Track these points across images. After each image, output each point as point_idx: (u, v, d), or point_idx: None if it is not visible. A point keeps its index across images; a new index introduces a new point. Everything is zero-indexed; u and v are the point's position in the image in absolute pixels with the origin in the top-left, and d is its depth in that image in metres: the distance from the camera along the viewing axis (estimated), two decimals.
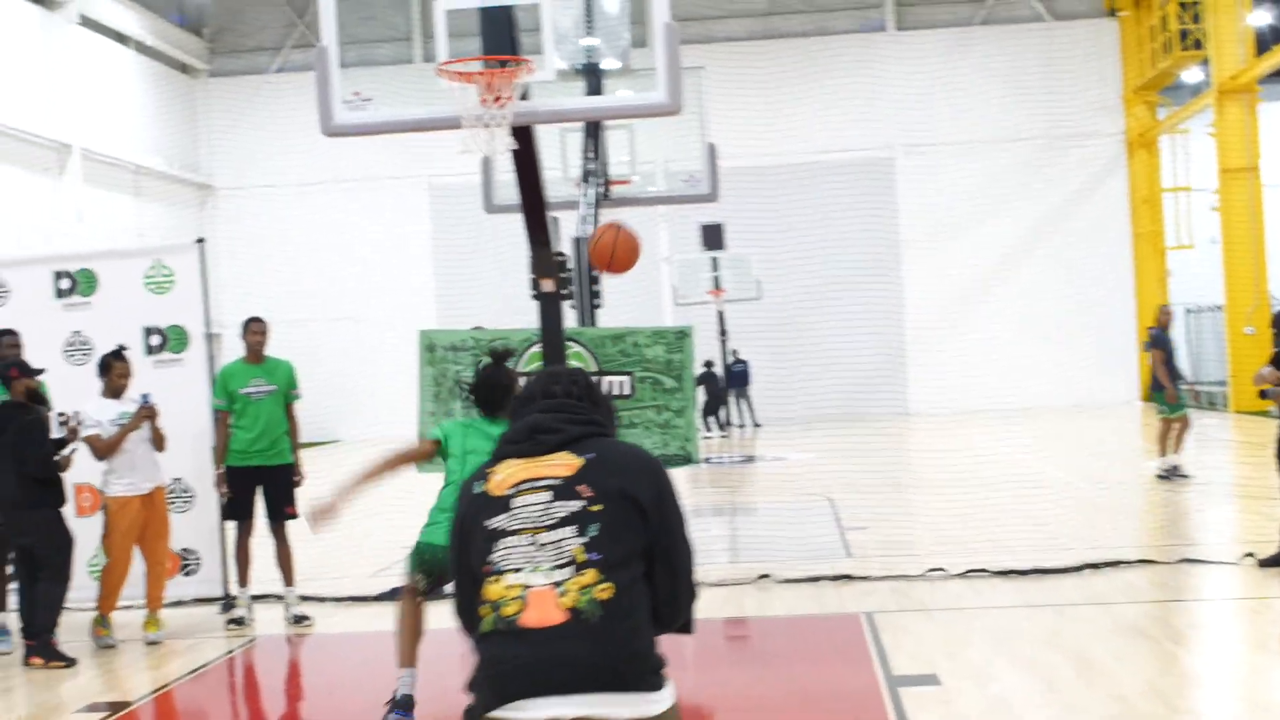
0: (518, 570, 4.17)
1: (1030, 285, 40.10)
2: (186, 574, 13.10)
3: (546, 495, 4.24)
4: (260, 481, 12.42)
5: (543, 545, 4.17)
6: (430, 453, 8.92)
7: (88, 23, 37.22)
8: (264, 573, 12.74)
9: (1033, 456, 25.38)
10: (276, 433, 12.48)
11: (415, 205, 40.99)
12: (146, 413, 11.69)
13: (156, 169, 40.15)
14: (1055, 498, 18.28)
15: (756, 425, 37.25)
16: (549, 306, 11.43)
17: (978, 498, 18.55)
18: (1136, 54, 39.85)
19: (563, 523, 4.19)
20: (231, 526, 12.68)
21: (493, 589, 4.19)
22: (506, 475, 4.35)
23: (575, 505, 4.21)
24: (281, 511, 12.47)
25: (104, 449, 11.56)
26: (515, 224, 19.64)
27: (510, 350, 9.40)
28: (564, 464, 4.32)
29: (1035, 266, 40.29)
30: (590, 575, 4.13)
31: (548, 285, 11.27)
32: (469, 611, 4.34)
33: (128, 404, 11.78)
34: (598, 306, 13.84)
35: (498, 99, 9.04)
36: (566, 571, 4.13)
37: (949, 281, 40.31)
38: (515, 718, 4.07)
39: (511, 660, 4.10)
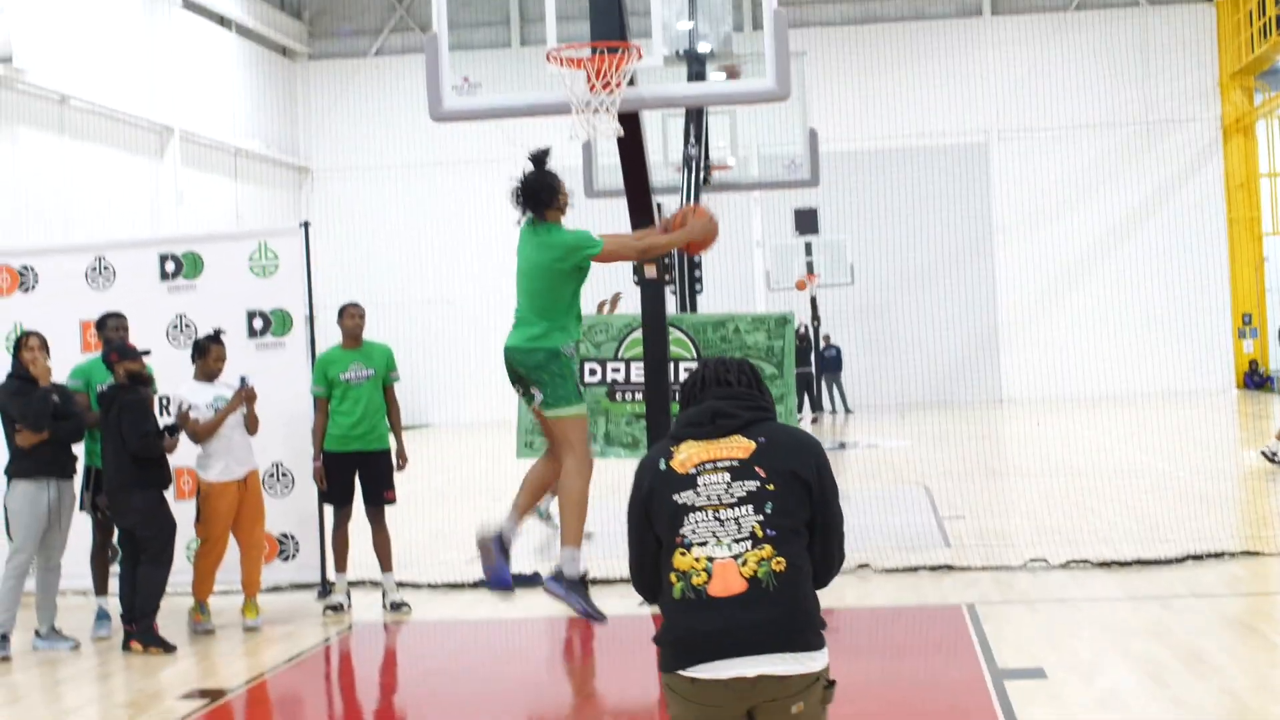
0: (704, 544, 4.75)
1: (1124, 271, 39.68)
2: (284, 559, 13.15)
3: (727, 475, 4.82)
4: (358, 467, 12.42)
5: (724, 521, 4.76)
6: None
7: (190, 5, 37.54)
8: (362, 558, 12.77)
9: (1129, 445, 25.12)
10: (375, 418, 12.47)
11: (510, 188, 41.06)
12: (246, 394, 11.72)
13: (255, 151, 40.44)
14: (1154, 487, 18.06)
15: (848, 411, 37.10)
16: (652, 293, 11.37)
17: (1075, 486, 18.38)
18: (1233, 38, 39.30)
19: (742, 501, 4.77)
20: (329, 511, 12.71)
21: (682, 560, 4.76)
22: (690, 454, 4.91)
23: (753, 485, 4.78)
24: (379, 497, 12.46)
25: (201, 433, 11.60)
26: (615, 209, 19.69)
27: (546, 150, 9.47)
28: (740, 447, 4.88)
29: (1130, 253, 39.86)
30: (767, 549, 4.72)
31: (651, 271, 11.22)
32: (650, 573, 4.98)
33: (222, 388, 11.80)
34: (698, 293, 13.79)
35: (607, 85, 9.00)
36: (746, 545, 4.72)
37: (1043, 267, 39.96)
38: (704, 676, 4.67)
39: (701, 625, 4.69)
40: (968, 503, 17.28)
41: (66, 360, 12.33)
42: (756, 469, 4.81)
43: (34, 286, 13.71)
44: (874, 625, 11.35)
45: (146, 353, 11.56)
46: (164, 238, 15.31)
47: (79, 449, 11.62)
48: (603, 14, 9.80)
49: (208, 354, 11.78)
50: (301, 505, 12.98)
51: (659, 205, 11.89)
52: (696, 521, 4.77)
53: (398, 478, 12.59)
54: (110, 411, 11.16)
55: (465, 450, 20.01)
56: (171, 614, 11.85)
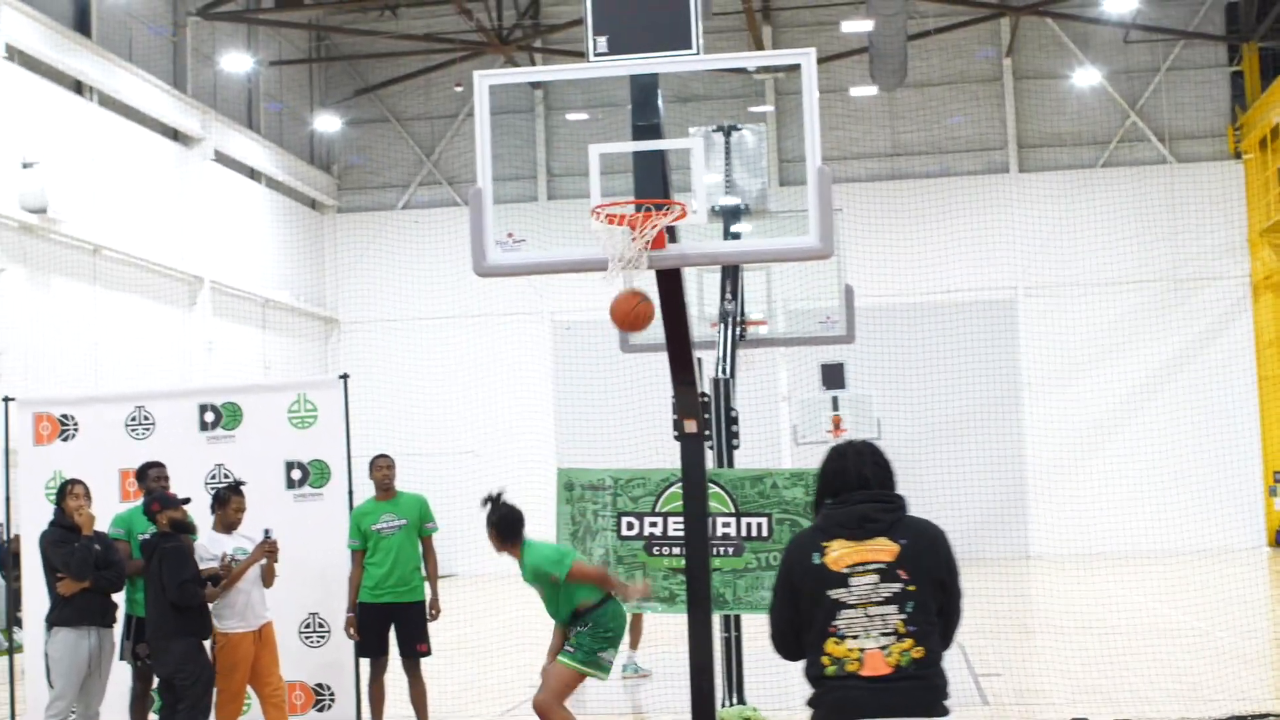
0: (855, 637, 5.77)
1: (1154, 427, 39.58)
2: (320, 710, 13.09)
3: (875, 577, 5.79)
4: (393, 618, 12.40)
5: (872, 617, 5.75)
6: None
7: (221, 158, 38.04)
8: (398, 709, 12.70)
9: (1162, 602, 24.92)
10: (408, 568, 12.47)
11: (537, 341, 41.27)
12: (269, 547, 11.69)
13: (284, 302, 40.77)
14: (1192, 646, 17.90)
15: None
16: (691, 447, 11.39)
17: (1111, 644, 18.22)
18: (1262, 195, 39.54)
19: (888, 601, 5.75)
20: (365, 663, 12.66)
21: (836, 649, 5.79)
22: (841, 554, 5.86)
23: (896, 587, 5.76)
24: (414, 649, 12.43)
25: (225, 584, 11.58)
26: (645, 363, 19.77)
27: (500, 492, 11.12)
28: (886, 550, 5.84)
29: (1159, 408, 39.79)
30: (908, 643, 5.75)
31: (691, 426, 11.25)
32: (792, 640, 6.04)
33: (240, 539, 11.81)
34: (735, 447, 13.81)
35: (650, 243, 9.10)
36: (891, 639, 5.74)
37: (1071, 422, 39.90)
38: None
39: (854, 695, 5.74)
40: (1003, 660, 17.14)
41: (106, 508, 12.36)
42: (900, 572, 5.78)
43: (74, 435, 13.80)
44: None
45: (187, 501, 11.60)
46: (203, 388, 15.46)
47: (119, 597, 11.63)
48: (647, 171, 9.91)
49: (228, 504, 11.80)
50: (337, 656, 12.94)
51: (699, 360, 11.95)
52: (850, 618, 5.77)
53: (432, 627, 12.55)
54: (152, 559, 11.18)
55: (491, 601, 19.97)
56: None
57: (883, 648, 5.72)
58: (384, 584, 12.34)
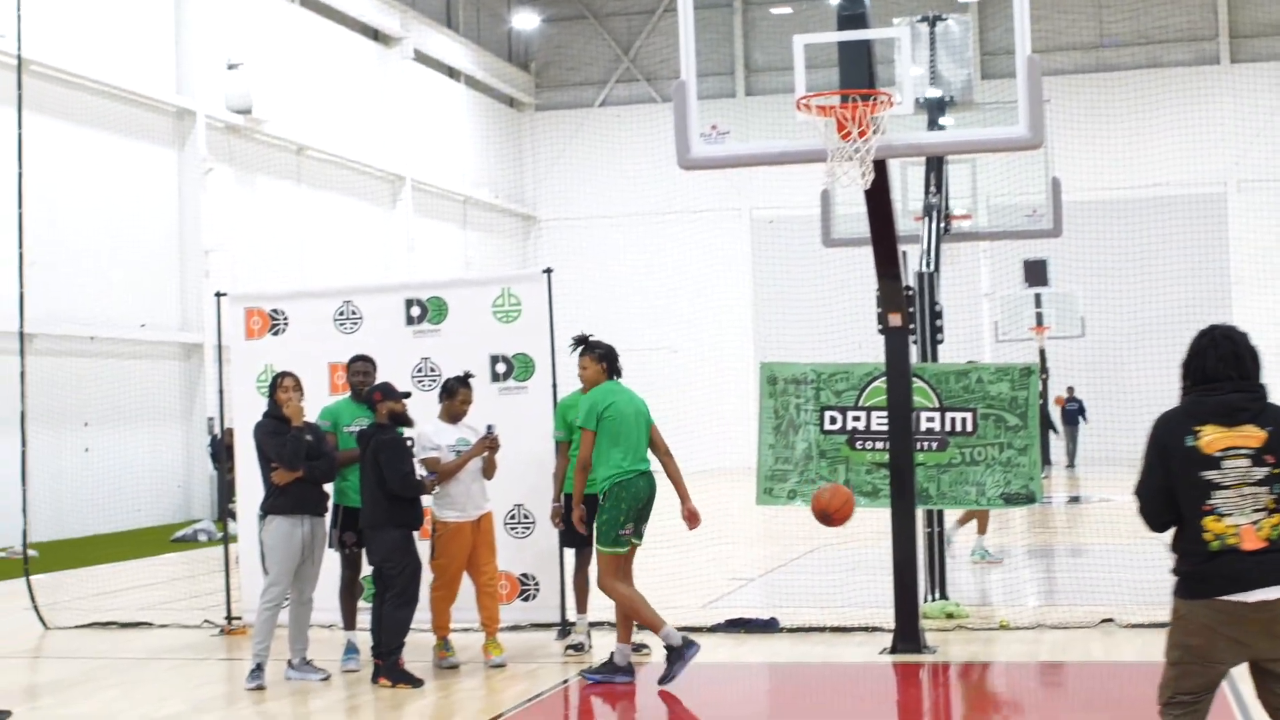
0: (1230, 515, 6.23)
1: None
2: (525, 599, 13.27)
3: (1246, 461, 6.25)
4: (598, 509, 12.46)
5: (1245, 496, 6.24)
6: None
7: (421, 58, 38.36)
8: (602, 599, 12.82)
9: None
10: None
11: (735, 237, 41.20)
12: (489, 444, 11.84)
13: (483, 200, 41.14)
14: None
15: (1070, 466, 36.49)
16: (896, 341, 11.32)
17: None
18: None
19: (1260, 483, 6.23)
20: (570, 553, 12.79)
21: (1215, 525, 6.24)
22: (1214, 439, 6.29)
23: (1264, 470, 6.23)
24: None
25: (442, 474, 11.76)
26: (847, 257, 19.63)
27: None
28: (1254, 435, 6.28)
29: None
30: (1276, 518, 6.23)
31: (895, 320, 11.17)
32: (1161, 511, 6.40)
33: (466, 430, 11.96)
34: (939, 342, 13.67)
35: (862, 132, 9.00)
36: (1262, 514, 6.22)
37: None
38: (1236, 599, 6.16)
39: (1234, 567, 6.20)
40: None
41: (315, 401, 12.62)
42: (1266, 457, 6.23)
43: (284, 329, 14.08)
44: (1121, 681, 11.12)
45: (408, 395, 11.76)
46: (409, 282, 15.61)
47: (328, 487, 11.87)
48: (853, 62, 9.80)
49: (455, 396, 11.94)
50: (542, 546, 13.10)
51: (904, 254, 11.84)
52: (1225, 497, 6.24)
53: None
54: (367, 450, 11.38)
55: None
56: (417, 648, 12.04)
57: (1254, 523, 6.22)
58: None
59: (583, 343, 11.51)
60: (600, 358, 11.31)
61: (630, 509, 11.01)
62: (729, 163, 10.27)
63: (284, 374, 11.67)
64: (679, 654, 10.73)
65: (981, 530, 17.13)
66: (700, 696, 11.24)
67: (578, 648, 12.40)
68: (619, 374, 11.45)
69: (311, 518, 11.49)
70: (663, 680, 10.76)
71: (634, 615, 11.08)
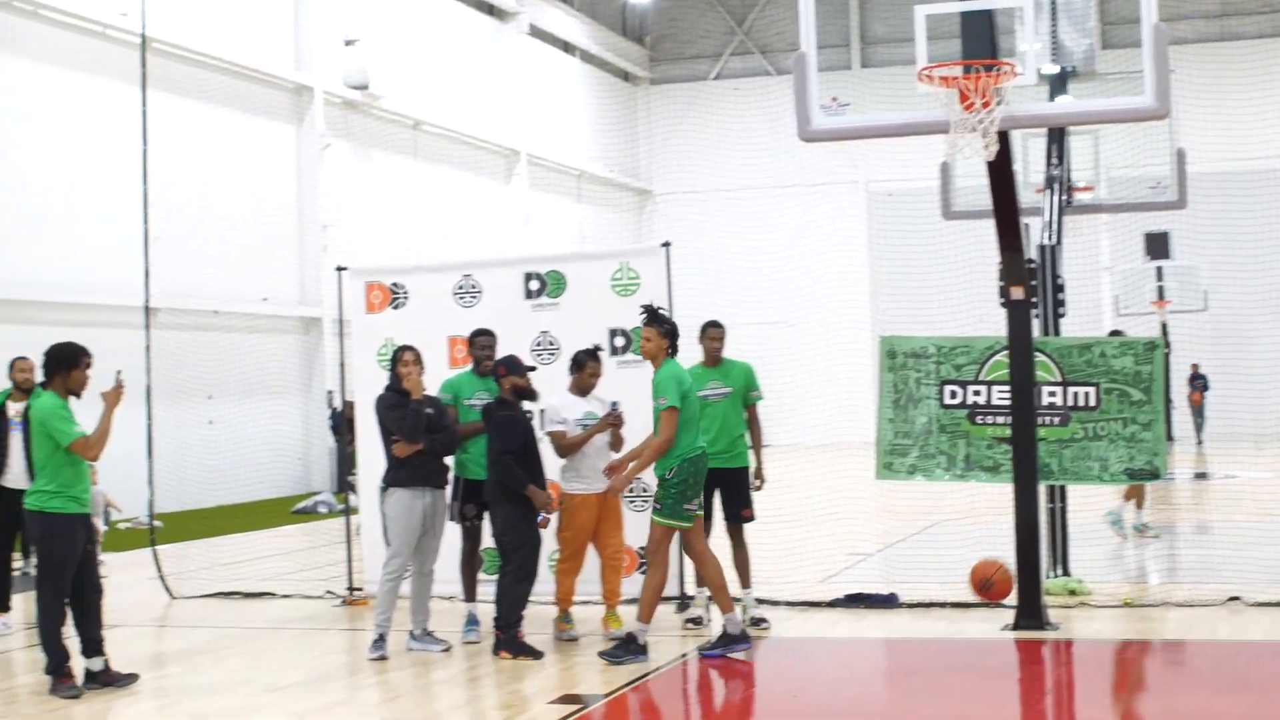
0: None
1: None
2: (644, 572, 13.25)
3: None
4: (717, 483, 12.43)
5: None
6: None
7: (536, 33, 38.45)
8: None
9: None
10: (734, 435, 12.46)
11: (851, 210, 40.98)
12: (613, 420, 11.87)
13: (598, 174, 41.19)
14: None
15: (1199, 442, 36.05)
16: (1018, 314, 11.21)
17: None
18: None
19: None
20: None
21: None
22: None
23: None
24: (738, 514, 12.47)
25: (567, 447, 11.80)
26: (966, 231, 19.46)
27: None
28: None
29: None
30: None
31: (1018, 293, 11.06)
32: None
33: (593, 403, 11.99)
34: (1061, 316, 13.52)
35: (986, 103, 8.91)
36: None
37: None
38: None
39: None
40: None
41: (435, 374, 12.70)
42: None
43: (404, 303, 14.19)
44: (1249, 660, 10.95)
45: (532, 369, 11.80)
46: (529, 256, 15.68)
47: (449, 460, 11.94)
48: (975, 33, 9.71)
49: (584, 369, 11.97)
50: None
51: (1025, 226, 11.72)
52: None
53: (759, 495, 12.60)
54: (490, 424, 11.44)
55: (805, 470, 20.01)
56: (537, 621, 12.11)
57: None
58: (710, 450, 12.32)
59: (652, 314, 11.41)
60: (666, 334, 11.22)
61: (696, 484, 11.15)
62: (850, 135, 10.22)
63: (405, 348, 11.75)
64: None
65: (1140, 505, 16.93)
66: (819, 672, 11.23)
67: (696, 621, 12.41)
68: (677, 352, 11.39)
69: (432, 490, 11.58)
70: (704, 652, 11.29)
71: (657, 596, 11.24)
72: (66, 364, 10.50)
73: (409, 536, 11.48)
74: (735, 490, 12.45)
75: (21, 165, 23.29)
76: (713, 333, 12.57)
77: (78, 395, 10.59)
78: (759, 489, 12.59)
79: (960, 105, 9.28)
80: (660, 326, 11.26)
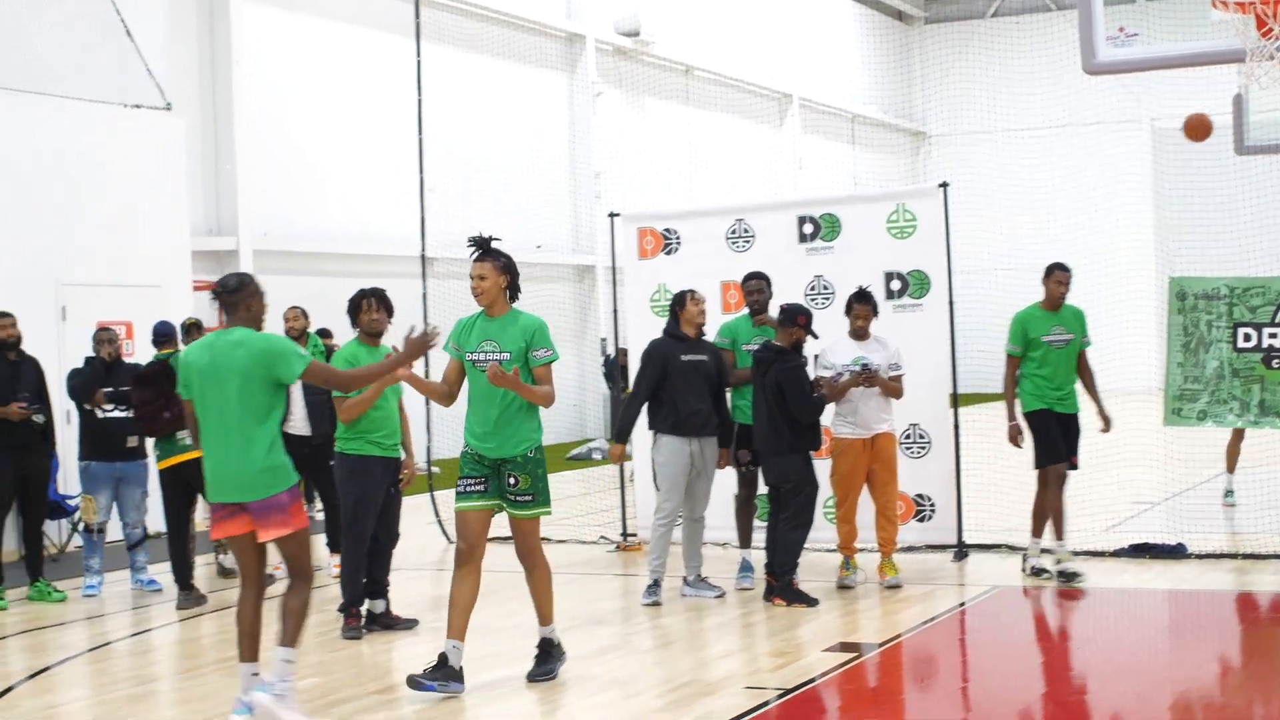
0: None
1: None
2: (920, 520, 13.07)
3: None
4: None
5: None
6: None
7: None
8: (1000, 520, 12.54)
9: None
10: (1071, 382, 12.03)
11: (1133, 148, 39.77)
12: (860, 379, 11.61)
13: (871, 117, 40.70)
14: None
15: None
16: None
17: None
18: None
19: None
20: (966, 474, 12.48)
21: None
22: None
23: None
24: (1069, 461, 12.02)
25: (831, 395, 11.63)
26: (1260, 166, 18.69)
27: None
28: None
29: None
30: None
31: None
32: None
33: (870, 347, 11.76)
34: None
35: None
36: None
37: None
38: None
39: None
40: None
41: (709, 320, 12.64)
42: None
43: (677, 248, 14.13)
44: None
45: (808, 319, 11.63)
46: (802, 199, 15.54)
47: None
48: None
49: (850, 311, 11.78)
50: (939, 467, 12.86)
51: None
52: None
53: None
54: (766, 373, 11.28)
55: (1086, 417, 19.39)
56: (811, 568, 12.00)
57: None
58: (1050, 394, 11.91)
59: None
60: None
61: None
62: (1137, 66, 9.80)
63: (688, 292, 11.65)
64: None
65: (1230, 469, 15.80)
66: (1103, 623, 10.91)
67: (1069, 577, 11.81)
68: None
69: (700, 438, 11.46)
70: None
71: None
72: (353, 309, 10.72)
73: (678, 482, 11.43)
74: (1070, 436, 11.99)
75: (302, 121, 23.78)
76: (1059, 275, 12.08)
77: (374, 339, 10.79)
78: (1105, 431, 12.09)
79: (1257, 32, 8.81)
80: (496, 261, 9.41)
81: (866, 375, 11.56)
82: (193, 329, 13.80)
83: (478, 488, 8.87)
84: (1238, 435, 14.97)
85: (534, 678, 8.96)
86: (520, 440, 9.03)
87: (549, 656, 9.08)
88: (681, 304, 11.54)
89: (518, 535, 9.09)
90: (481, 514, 8.91)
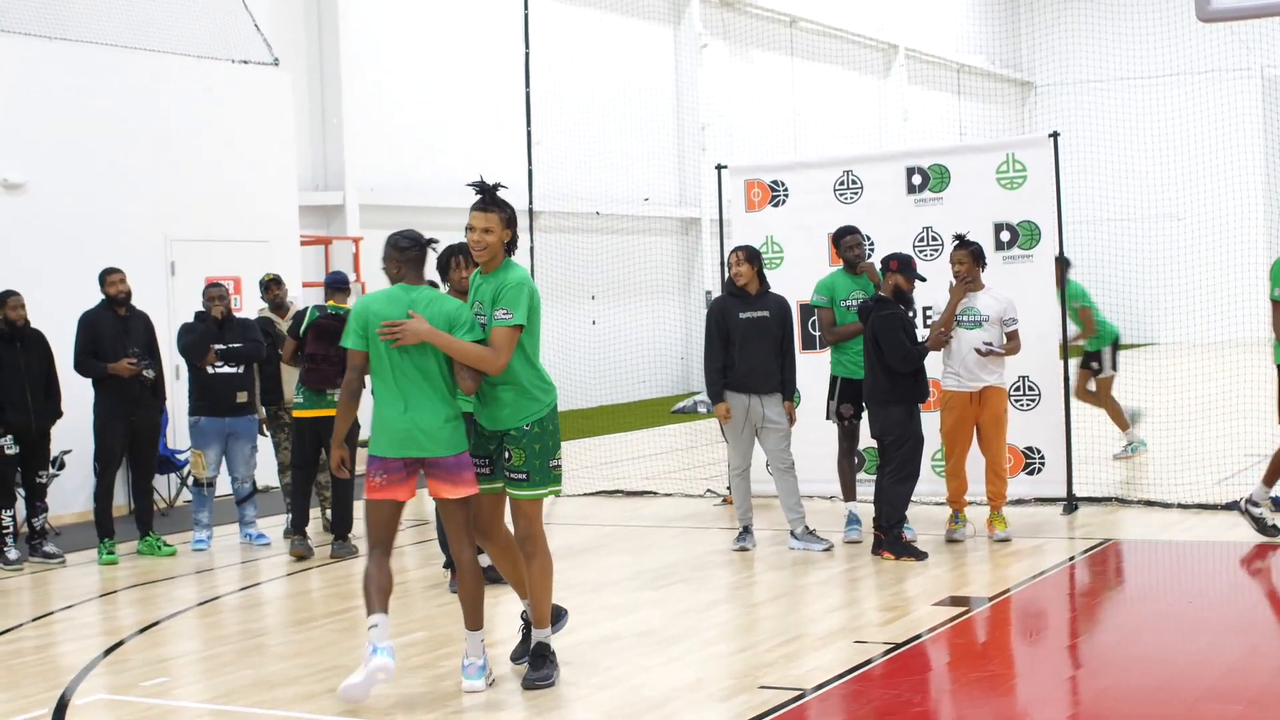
0: None
1: None
2: (1030, 473, 12.99)
3: None
4: None
5: None
6: None
7: None
8: (1110, 473, 12.42)
9: None
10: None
11: (1244, 99, 39.10)
12: (982, 352, 11.56)
13: (978, 67, 40.27)
14: None
15: None
16: None
17: None
18: None
19: None
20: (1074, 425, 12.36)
21: None
22: None
23: None
24: None
25: (933, 344, 11.59)
26: None
27: None
28: None
29: None
30: None
31: None
32: None
33: (983, 300, 11.64)
34: None
35: None
36: None
37: None
38: None
39: None
40: None
41: (816, 272, 12.66)
42: None
43: (784, 200, 14.08)
44: None
45: (922, 279, 11.56)
46: (910, 150, 15.39)
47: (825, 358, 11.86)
48: None
49: (953, 262, 11.72)
50: (1049, 419, 12.76)
51: None
52: None
53: None
54: (868, 324, 11.24)
55: (1196, 369, 19.24)
56: (919, 521, 11.97)
57: None
58: None
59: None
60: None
61: None
62: (1252, 13, 9.60)
63: (734, 249, 11.69)
64: None
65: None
66: (1213, 578, 10.80)
67: None
68: None
69: (760, 395, 11.46)
70: None
71: None
72: (442, 266, 10.40)
73: (739, 436, 11.63)
74: None
75: (408, 75, 23.86)
76: None
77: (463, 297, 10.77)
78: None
79: None
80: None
81: (988, 352, 11.47)
82: (271, 284, 13.93)
83: (484, 470, 7.97)
84: None
85: (531, 683, 7.91)
86: (516, 411, 7.92)
87: (545, 661, 8.02)
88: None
89: (515, 516, 8.01)
90: (491, 497, 8.04)
